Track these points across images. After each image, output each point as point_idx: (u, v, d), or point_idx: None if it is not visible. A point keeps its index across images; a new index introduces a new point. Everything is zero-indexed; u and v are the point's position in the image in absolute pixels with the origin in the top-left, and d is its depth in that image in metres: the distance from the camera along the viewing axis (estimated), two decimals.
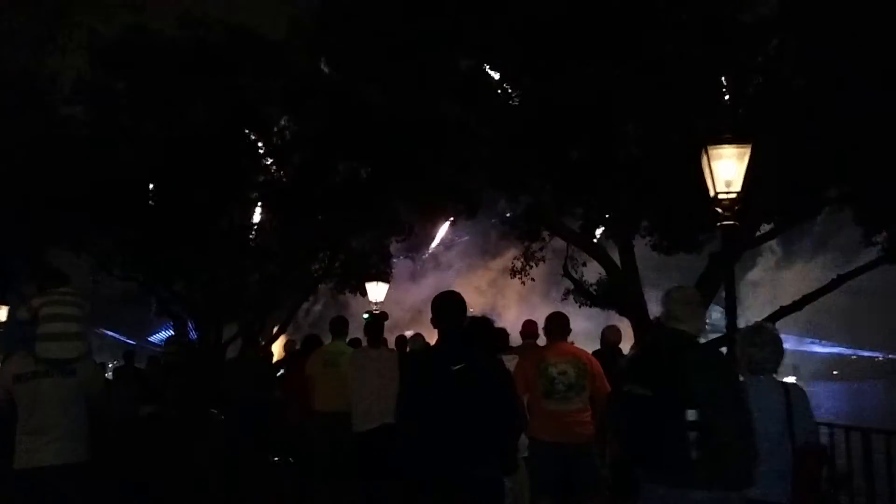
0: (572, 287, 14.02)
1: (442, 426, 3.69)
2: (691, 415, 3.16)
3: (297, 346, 11.50)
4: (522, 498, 4.53)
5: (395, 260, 20.79)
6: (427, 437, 3.73)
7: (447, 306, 3.98)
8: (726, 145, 6.86)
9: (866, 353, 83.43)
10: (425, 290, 59.30)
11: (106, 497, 5.03)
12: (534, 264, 14.87)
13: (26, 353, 4.27)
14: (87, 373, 4.38)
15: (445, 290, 4.26)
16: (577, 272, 14.11)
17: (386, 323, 7.67)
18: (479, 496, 3.69)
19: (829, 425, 6.26)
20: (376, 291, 16.36)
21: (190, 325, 17.66)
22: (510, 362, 5.57)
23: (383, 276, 17.31)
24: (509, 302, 53.71)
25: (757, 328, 4.02)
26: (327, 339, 8.24)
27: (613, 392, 3.64)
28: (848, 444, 6.13)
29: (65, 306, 4.35)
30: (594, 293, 13.67)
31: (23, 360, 4.27)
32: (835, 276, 11.69)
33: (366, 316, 10.21)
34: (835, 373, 77.20)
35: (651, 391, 3.29)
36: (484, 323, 4.63)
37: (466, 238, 65.94)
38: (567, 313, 6.27)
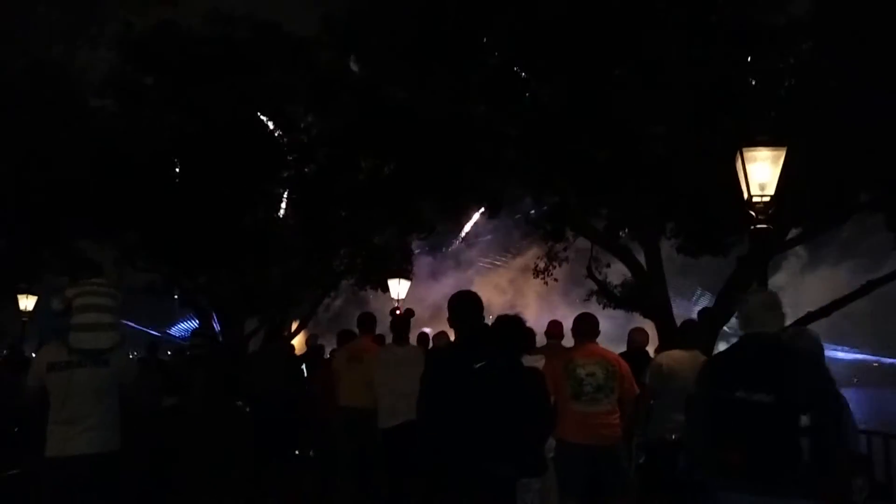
0: (595, 288, 13.94)
1: (462, 424, 3.71)
2: (805, 420, 3.13)
3: (318, 342, 11.57)
4: (551, 499, 4.49)
5: (416, 253, 20.82)
6: (447, 435, 3.74)
7: (465, 305, 4.02)
8: (761, 148, 6.76)
9: (888, 360, 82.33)
10: (446, 287, 59.39)
11: (134, 487, 5.06)
12: (557, 264, 14.81)
13: (60, 343, 4.30)
14: (120, 363, 4.41)
15: (463, 289, 4.29)
16: (600, 273, 14.04)
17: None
18: (498, 495, 3.70)
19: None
20: (398, 288, 16.35)
21: (213, 318, 17.81)
22: (536, 362, 5.52)
23: (405, 273, 17.30)
24: (529, 301, 53.61)
25: (799, 332, 3.96)
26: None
27: (703, 399, 3.51)
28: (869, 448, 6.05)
29: (98, 297, 4.37)
30: (618, 294, 13.58)
31: (56, 349, 4.30)
32: (863, 283, 11.51)
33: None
34: (854, 380, 76.36)
35: (771, 397, 3.23)
36: (515, 322, 4.58)
37: (489, 237, 65.72)
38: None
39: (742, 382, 3.31)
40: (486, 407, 3.70)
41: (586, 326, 5.97)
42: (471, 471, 3.67)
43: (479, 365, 3.77)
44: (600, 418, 5.62)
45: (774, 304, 3.56)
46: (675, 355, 6.13)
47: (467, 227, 62.71)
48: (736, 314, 3.67)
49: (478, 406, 3.70)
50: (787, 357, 3.43)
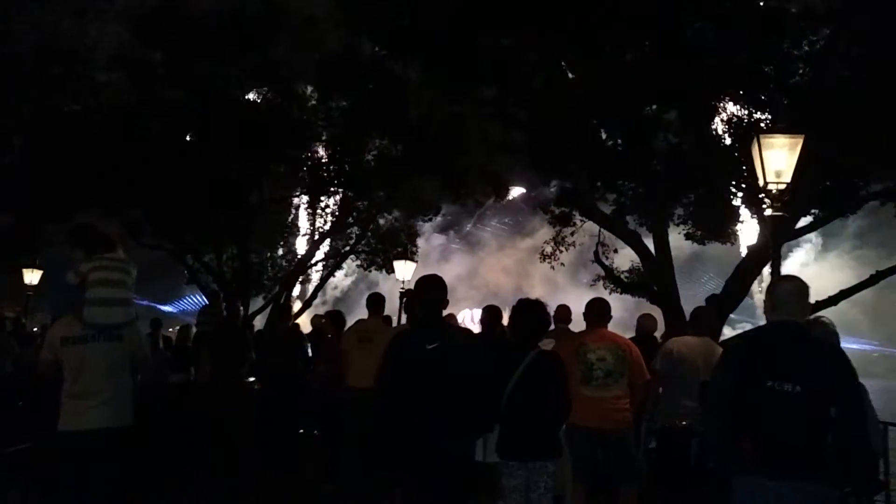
0: (602, 273, 13.91)
1: (415, 402, 3.87)
2: (834, 412, 3.12)
3: (324, 320, 11.56)
4: (565, 482, 4.49)
5: (425, 235, 20.83)
6: (402, 412, 3.90)
7: (426, 288, 4.17)
8: (779, 135, 6.70)
9: (889, 350, 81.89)
10: (457, 268, 59.53)
11: (144, 461, 5.07)
12: (564, 249, 14.76)
13: (73, 317, 4.28)
14: (133, 338, 4.39)
15: (427, 274, 4.39)
16: (607, 258, 13.99)
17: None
18: (450, 470, 3.84)
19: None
20: (404, 270, 16.35)
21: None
22: (546, 346, 5.51)
23: (410, 255, 17.31)
24: (535, 282, 53.50)
25: (816, 322, 3.93)
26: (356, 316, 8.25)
27: (725, 386, 3.48)
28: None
29: (112, 272, 4.34)
30: (625, 280, 13.55)
31: (70, 323, 4.28)
32: (872, 272, 11.46)
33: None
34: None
35: (802, 388, 3.21)
36: (535, 306, 4.57)
37: (496, 222, 65.48)
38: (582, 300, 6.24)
39: (772, 372, 3.27)
40: (436, 385, 3.86)
41: (598, 311, 5.95)
42: (422, 446, 3.83)
43: (431, 346, 3.93)
44: (610, 403, 5.60)
45: (803, 293, 3.51)
46: (686, 341, 6.13)
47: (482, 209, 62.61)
48: (766, 299, 3.61)
49: (428, 384, 3.87)
50: (814, 347, 3.39)
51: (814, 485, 3.17)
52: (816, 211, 11.58)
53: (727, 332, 10.71)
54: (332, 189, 17.59)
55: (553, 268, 15.53)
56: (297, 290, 22.88)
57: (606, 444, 5.56)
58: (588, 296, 7.41)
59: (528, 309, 4.52)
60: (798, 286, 3.52)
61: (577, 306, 6.71)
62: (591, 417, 5.51)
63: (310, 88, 17.25)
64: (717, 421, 3.44)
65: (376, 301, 7.69)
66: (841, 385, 3.21)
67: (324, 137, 17.33)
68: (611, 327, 6.09)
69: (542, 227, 15.55)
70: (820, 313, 10.35)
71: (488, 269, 61.27)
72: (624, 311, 11.29)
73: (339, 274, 23.22)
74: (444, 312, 4.35)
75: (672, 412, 5.81)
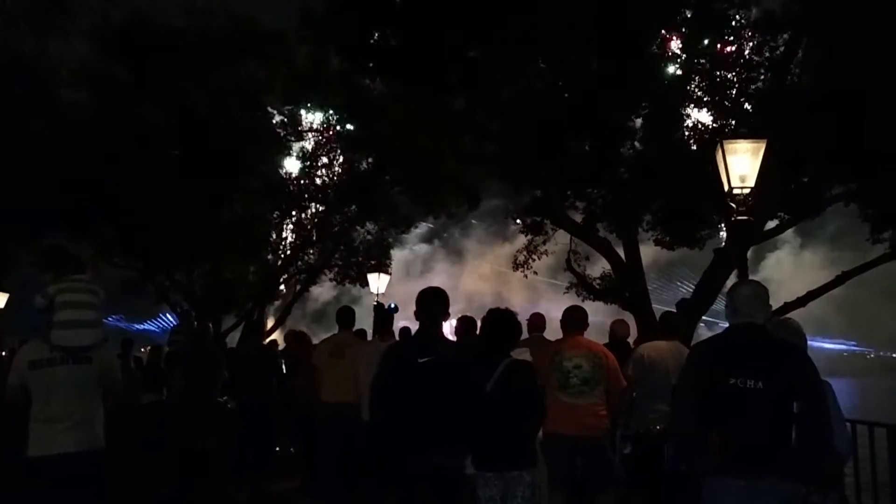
0: (575, 281, 14.01)
1: (406, 415, 3.88)
2: (796, 407, 3.18)
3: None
4: (542, 491, 4.51)
5: (411, 245, 20.81)
6: (394, 425, 3.92)
7: (424, 301, 4.19)
8: (742, 140, 6.83)
9: (859, 349, 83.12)
10: (439, 277, 59.51)
11: (118, 484, 4.99)
12: (537, 257, 14.86)
13: (41, 341, 4.23)
14: (103, 360, 4.34)
15: (429, 286, 4.40)
16: (580, 266, 14.10)
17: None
18: (440, 482, 3.86)
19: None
20: (378, 282, 16.32)
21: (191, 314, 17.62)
22: (521, 355, 5.53)
23: (384, 268, 17.29)
24: (515, 289, 53.66)
25: (783, 323, 4.01)
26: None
27: (691, 386, 3.54)
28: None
29: (80, 293, 4.29)
30: (597, 287, 13.66)
31: (37, 347, 4.22)
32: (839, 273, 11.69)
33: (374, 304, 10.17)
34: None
35: (764, 385, 3.28)
36: (503, 316, 4.59)
37: (481, 230, 65.19)
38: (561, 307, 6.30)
39: (734, 370, 3.35)
40: (428, 399, 3.86)
41: (575, 319, 5.99)
42: (413, 458, 3.84)
43: (423, 360, 3.95)
44: (587, 410, 5.63)
45: (762, 296, 3.61)
46: (657, 346, 6.20)
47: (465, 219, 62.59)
48: (725, 305, 3.70)
49: (419, 398, 3.88)
50: (776, 347, 3.48)
51: (781, 482, 3.24)
52: (782, 214, 11.81)
53: (708, 335, 10.81)
54: (303, 203, 17.54)
55: (526, 276, 15.63)
56: (275, 305, 22.73)
57: (584, 451, 5.59)
58: (566, 303, 7.46)
59: (498, 319, 4.54)
60: (756, 290, 3.62)
61: (558, 312, 6.75)
62: (569, 425, 5.53)
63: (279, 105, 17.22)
64: (685, 423, 3.50)
65: (347, 315, 7.65)
66: (802, 381, 3.28)
67: (294, 153, 17.29)
68: (591, 333, 6.14)
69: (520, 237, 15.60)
70: (791, 314, 10.55)
71: (470, 278, 61.48)
72: (606, 315, 11.50)
73: (319, 287, 23.04)
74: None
75: (646, 417, 5.87)
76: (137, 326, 48.97)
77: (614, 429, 6.27)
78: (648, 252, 16.45)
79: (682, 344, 6.21)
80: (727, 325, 3.66)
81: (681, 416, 3.56)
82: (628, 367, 6.14)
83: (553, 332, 6.72)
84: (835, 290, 11.58)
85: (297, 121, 16.96)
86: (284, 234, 18.28)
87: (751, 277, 6.93)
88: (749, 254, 9.03)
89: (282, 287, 20.06)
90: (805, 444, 3.20)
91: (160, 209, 15.05)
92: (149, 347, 11.72)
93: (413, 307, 4.26)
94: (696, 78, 11.80)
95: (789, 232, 16.92)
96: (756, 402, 3.27)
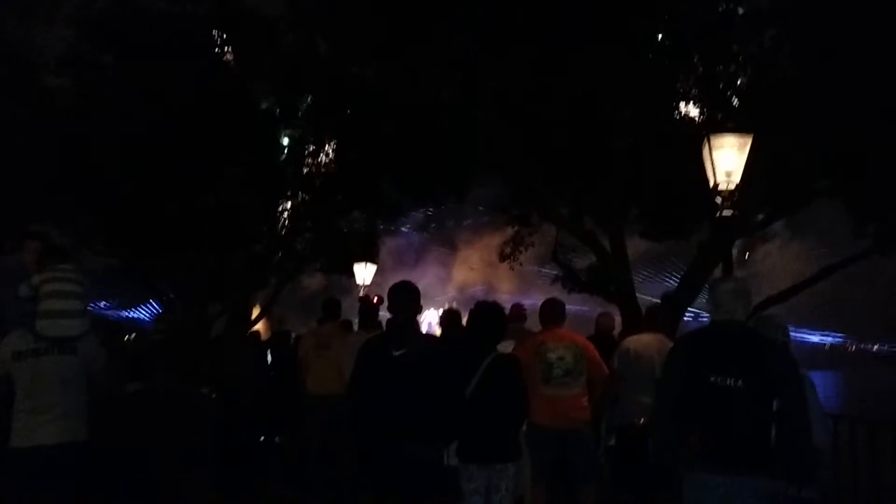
0: (561, 273, 14.05)
1: (382, 408, 3.96)
2: (776, 405, 3.22)
3: (284, 327, 11.53)
4: (525, 483, 4.55)
5: (385, 238, 20.72)
6: (371, 417, 4.02)
7: (396, 295, 4.27)
8: (728, 134, 6.86)
9: (830, 340, 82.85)
10: (432, 266, 59.36)
11: (101, 475, 4.97)
12: (523, 249, 14.87)
13: (25, 331, 4.21)
14: (88, 350, 4.33)
15: (401, 280, 4.48)
16: (567, 258, 14.13)
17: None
18: (418, 473, 3.92)
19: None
20: (364, 272, 16.28)
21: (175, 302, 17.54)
22: (506, 348, 5.57)
23: (371, 257, 17.21)
24: (504, 278, 53.54)
25: (767, 319, 4.07)
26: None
27: (672, 383, 3.58)
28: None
29: (65, 283, 4.28)
30: (583, 279, 13.71)
31: (22, 337, 4.20)
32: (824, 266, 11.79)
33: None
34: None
35: (744, 382, 3.31)
36: (490, 310, 4.62)
37: (471, 220, 64.81)
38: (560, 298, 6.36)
39: (714, 367, 3.39)
40: (404, 392, 3.95)
41: (554, 312, 6.04)
42: (391, 450, 3.93)
43: (398, 353, 4.04)
44: (570, 401, 5.68)
45: (743, 292, 3.65)
46: (641, 339, 6.28)
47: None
48: (706, 299, 3.75)
49: (394, 391, 3.97)
50: (756, 343, 3.53)
51: (760, 479, 3.28)
52: (767, 208, 11.88)
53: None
54: (289, 193, 17.43)
55: (513, 268, 15.65)
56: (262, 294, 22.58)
57: (567, 443, 5.65)
58: (556, 293, 7.50)
59: (486, 312, 4.58)
60: (737, 286, 3.68)
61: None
62: (552, 417, 5.58)
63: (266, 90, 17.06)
64: (665, 419, 3.55)
65: (332, 306, 7.68)
66: (782, 379, 3.32)
67: (281, 140, 17.15)
68: (578, 325, 6.22)
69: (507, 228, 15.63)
70: (773, 308, 10.61)
71: (461, 268, 61.33)
72: (594, 307, 11.59)
73: (310, 277, 22.86)
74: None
75: (630, 409, 5.93)
76: (127, 314, 48.59)
77: (598, 421, 6.33)
78: (640, 244, 16.56)
79: (667, 337, 6.27)
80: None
81: (661, 413, 3.61)
82: (614, 360, 6.20)
83: (535, 322, 6.76)
84: (821, 284, 11.67)
85: (284, 107, 16.81)
86: (269, 223, 18.12)
87: (740, 270, 7.00)
88: (738, 246, 9.11)
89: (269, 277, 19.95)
90: (784, 442, 3.25)
91: (142, 196, 14.92)
92: (133, 335, 11.66)
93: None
94: (684, 72, 11.80)
95: (780, 225, 17.03)
96: (735, 399, 3.32)
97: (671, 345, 5.93)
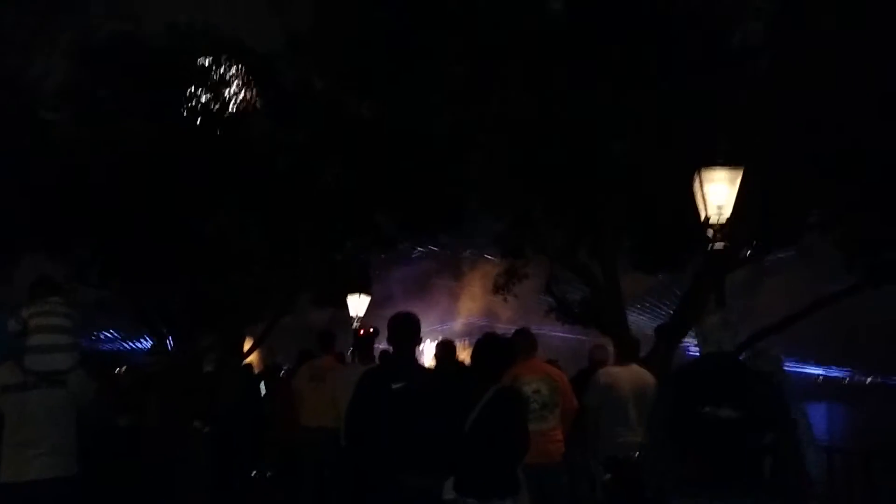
0: (555, 305, 14.04)
1: (380, 440, 3.95)
2: (767, 437, 3.23)
3: (277, 359, 11.48)
4: None
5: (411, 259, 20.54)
6: (368, 450, 4.01)
7: (396, 327, 4.26)
8: (719, 168, 6.93)
9: (806, 371, 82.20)
10: (438, 294, 59.18)
11: None
12: (516, 281, 14.86)
13: (13, 364, 4.19)
14: (77, 384, 4.30)
15: (401, 311, 4.47)
16: (560, 289, 14.13)
17: None
18: None
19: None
20: (357, 304, 16.25)
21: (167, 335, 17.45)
22: None
23: (365, 288, 17.18)
24: (504, 307, 53.44)
25: (762, 352, 4.10)
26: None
27: (664, 415, 3.59)
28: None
29: (55, 317, 4.26)
30: (576, 311, 13.70)
31: (10, 371, 4.18)
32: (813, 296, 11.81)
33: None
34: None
35: (737, 413, 3.31)
36: (496, 343, 4.59)
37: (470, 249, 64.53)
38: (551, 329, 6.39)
39: (707, 398, 3.40)
40: (401, 424, 3.93)
41: (527, 342, 5.97)
42: (387, 483, 3.90)
43: (396, 386, 4.02)
44: (547, 436, 5.63)
45: (729, 324, 3.69)
46: (611, 371, 6.41)
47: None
48: (696, 333, 3.77)
49: (393, 423, 3.95)
50: (746, 375, 3.55)
51: None
52: (759, 241, 11.91)
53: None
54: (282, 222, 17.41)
55: (506, 300, 15.61)
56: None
57: (542, 478, 5.49)
58: (553, 323, 7.47)
59: (492, 345, 4.55)
60: (720, 318, 3.72)
61: (545, 331, 6.83)
62: (531, 453, 5.53)
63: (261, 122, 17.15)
64: (657, 453, 3.54)
65: (327, 338, 7.68)
66: (772, 410, 3.34)
67: (275, 169, 17.19)
68: (570, 356, 6.24)
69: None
70: (768, 341, 10.58)
71: (465, 297, 61.08)
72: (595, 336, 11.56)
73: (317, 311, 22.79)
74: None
75: (613, 441, 5.93)
76: (127, 346, 48.23)
77: (584, 455, 6.35)
78: (642, 278, 16.61)
79: (648, 368, 6.32)
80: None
81: (653, 447, 3.61)
82: (588, 394, 6.25)
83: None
84: (825, 314, 11.68)
85: (278, 139, 16.89)
86: (263, 253, 18.09)
87: (743, 300, 7.04)
88: (743, 277, 9.15)
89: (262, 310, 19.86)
90: (776, 473, 3.25)
91: (136, 226, 14.93)
92: (124, 368, 11.56)
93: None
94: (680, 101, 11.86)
95: (790, 257, 17.15)
96: (728, 431, 3.32)
97: (645, 374, 6.02)
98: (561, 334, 25.21)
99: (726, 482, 3.30)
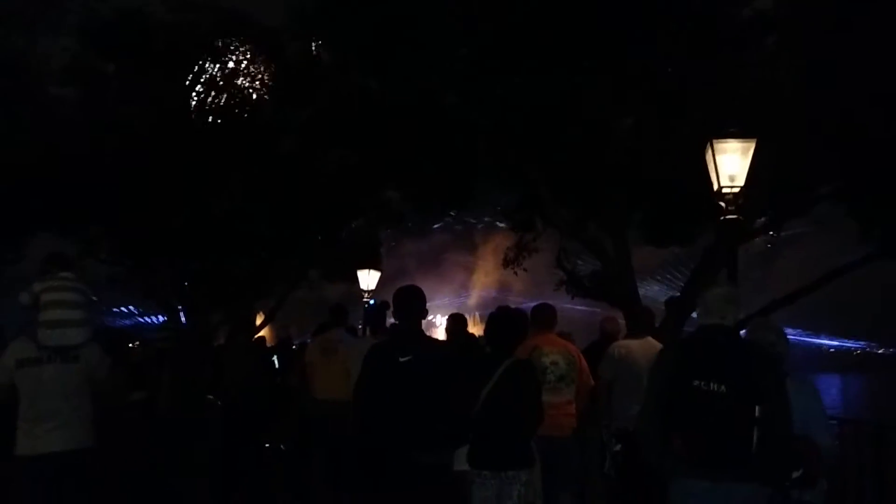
0: (565, 278, 14.02)
1: (389, 414, 3.93)
2: (759, 410, 3.20)
3: (288, 333, 11.54)
4: (537, 491, 4.51)
5: (393, 244, 20.68)
6: (377, 424, 3.97)
7: (401, 301, 4.21)
8: (731, 140, 6.85)
9: (817, 342, 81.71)
10: (451, 269, 59.21)
11: (107, 483, 4.98)
12: (527, 255, 14.85)
13: (28, 339, 4.21)
14: (91, 359, 4.33)
15: (406, 284, 4.44)
16: (569, 263, 14.10)
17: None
18: (425, 481, 3.88)
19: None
20: (368, 279, 16.28)
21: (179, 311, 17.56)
22: None
23: (375, 264, 17.19)
24: (517, 281, 53.53)
25: (763, 323, 4.06)
26: None
27: (658, 387, 3.57)
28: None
29: (66, 292, 4.27)
30: (587, 284, 13.68)
31: (25, 345, 4.21)
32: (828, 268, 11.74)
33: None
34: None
35: (727, 387, 3.29)
36: (510, 316, 4.59)
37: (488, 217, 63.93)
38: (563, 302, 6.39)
39: (699, 372, 3.39)
40: (410, 398, 3.91)
41: (546, 317, 6.02)
42: (397, 457, 3.89)
43: (404, 359, 3.99)
44: (561, 408, 5.66)
45: (733, 298, 3.66)
46: (626, 344, 6.39)
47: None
48: (698, 304, 3.74)
49: (401, 397, 3.92)
50: (742, 349, 3.53)
51: (743, 484, 3.27)
52: (770, 212, 11.84)
53: None
54: (291, 199, 17.42)
55: (516, 273, 15.62)
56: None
57: (555, 450, 5.51)
58: (565, 297, 7.45)
59: (506, 318, 4.57)
60: (726, 291, 3.69)
61: (558, 306, 6.84)
62: (543, 424, 5.55)
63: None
64: (650, 424, 3.54)
65: (339, 312, 7.69)
66: (766, 385, 3.30)
67: (282, 146, 17.17)
68: (582, 328, 6.25)
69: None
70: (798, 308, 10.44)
71: (480, 271, 61.15)
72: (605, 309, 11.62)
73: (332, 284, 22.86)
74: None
75: (626, 414, 5.93)
76: (126, 322, 48.70)
77: (597, 430, 6.36)
78: (656, 251, 16.53)
79: (664, 341, 6.30)
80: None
81: (646, 418, 3.60)
82: (602, 367, 6.25)
83: None
84: (834, 287, 11.61)
85: (285, 115, 16.84)
86: (273, 230, 18.13)
87: (759, 270, 6.99)
88: (759, 247, 9.07)
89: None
90: (766, 447, 3.23)
91: (147, 205, 14.96)
92: (137, 343, 11.65)
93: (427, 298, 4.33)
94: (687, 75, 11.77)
95: (808, 227, 17.05)
96: (718, 404, 3.31)
97: (657, 346, 6.00)
98: (572, 306, 25.22)
99: (714, 458, 3.30)
